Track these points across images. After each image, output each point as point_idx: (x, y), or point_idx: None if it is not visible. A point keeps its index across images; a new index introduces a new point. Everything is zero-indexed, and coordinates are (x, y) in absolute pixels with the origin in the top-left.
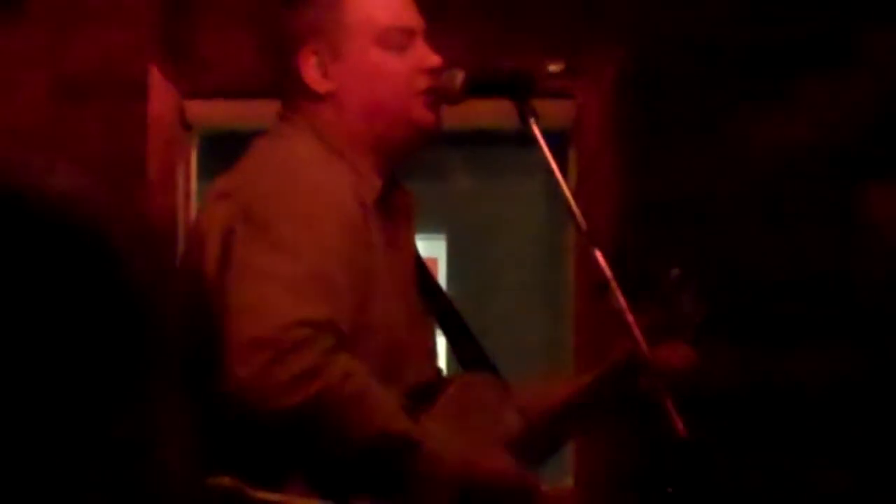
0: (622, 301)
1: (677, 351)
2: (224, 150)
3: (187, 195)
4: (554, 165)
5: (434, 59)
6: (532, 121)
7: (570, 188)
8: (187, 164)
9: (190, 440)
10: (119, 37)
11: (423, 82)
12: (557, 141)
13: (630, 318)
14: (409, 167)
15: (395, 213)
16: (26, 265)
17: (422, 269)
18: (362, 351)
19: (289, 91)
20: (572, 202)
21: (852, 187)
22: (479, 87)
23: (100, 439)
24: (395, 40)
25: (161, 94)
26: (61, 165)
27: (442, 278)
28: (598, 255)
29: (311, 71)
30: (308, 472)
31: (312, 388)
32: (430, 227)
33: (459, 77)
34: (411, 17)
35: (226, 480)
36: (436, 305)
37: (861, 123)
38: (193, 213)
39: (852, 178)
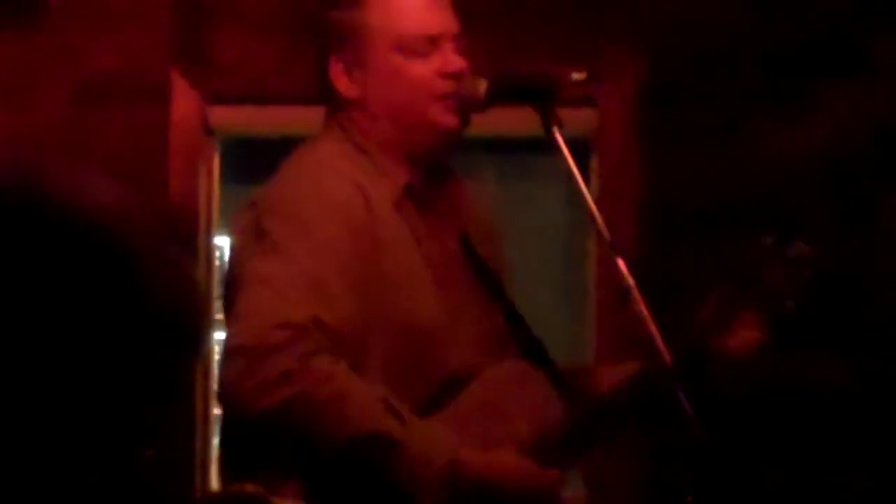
0: (644, 308)
1: (742, 334)
2: (246, 155)
3: (209, 200)
4: (576, 173)
5: (456, 64)
6: (555, 128)
7: (592, 195)
8: (209, 168)
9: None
10: (141, 41)
11: (443, 87)
12: (580, 148)
13: (652, 326)
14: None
15: (435, 211)
16: (45, 269)
17: (477, 259)
18: (378, 345)
19: (326, 94)
20: (594, 209)
21: (870, 193)
22: (502, 95)
23: (118, 452)
24: (416, 47)
25: (183, 99)
26: (92, 175)
27: None
28: (621, 262)
29: (339, 76)
30: (302, 477)
31: (286, 391)
32: None
33: (483, 85)
34: (435, 24)
35: (248, 487)
36: (495, 297)
37: (879, 128)
38: (215, 217)
39: (870, 184)
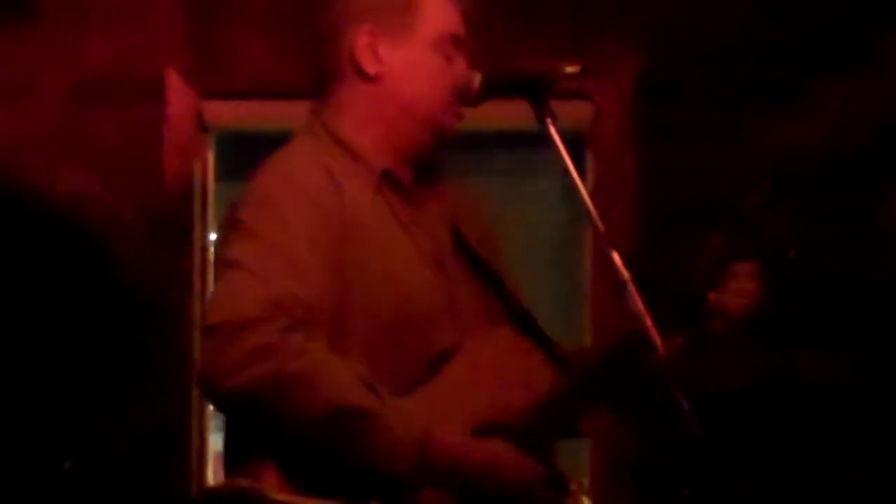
0: (639, 302)
1: (742, 280)
2: (241, 150)
3: (204, 195)
4: (571, 166)
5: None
6: (549, 122)
7: (587, 189)
8: (204, 164)
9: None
10: (136, 38)
11: (456, 96)
12: (575, 142)
13: (647, 319)
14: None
15: (425, 200)
16: (42, 265)
17: (469, 249)
18: (359, 325)
19: (327, 70)
20: (590, 203)
21: (870, 190)
22: (496, 89)
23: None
24: (447, 48)
25: (178, 96)
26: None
27: None
28: (616, 256)
29: (365, 50)
30: (279, 460)
31: (261, 367)
32: None
33: (477, 79)
34: (462, 30)
35: (242, 482)
36: (494, 289)
37: (878, 125)
38: (210, 212)
39: (869, 181)
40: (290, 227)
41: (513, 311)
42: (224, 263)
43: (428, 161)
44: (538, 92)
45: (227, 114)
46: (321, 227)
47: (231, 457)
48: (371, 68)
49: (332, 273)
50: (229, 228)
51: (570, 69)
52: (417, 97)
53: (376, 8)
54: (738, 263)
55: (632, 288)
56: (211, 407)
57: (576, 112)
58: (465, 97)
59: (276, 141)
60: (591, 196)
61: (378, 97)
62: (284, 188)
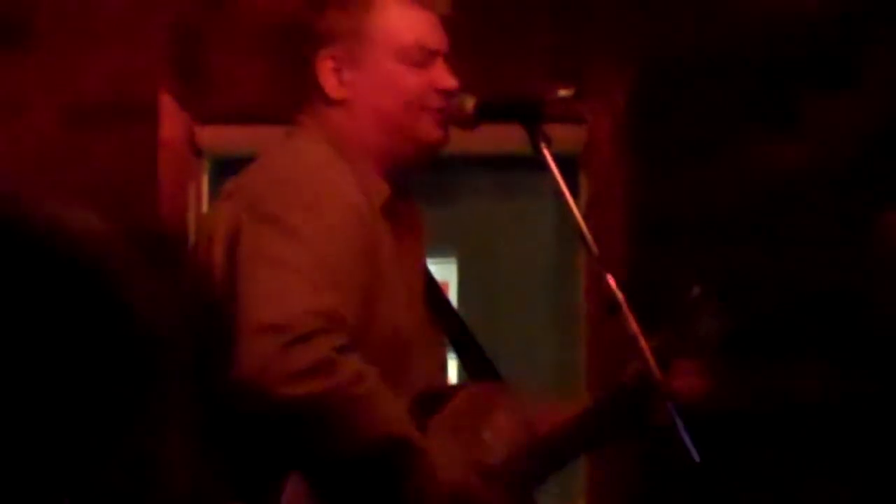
0: (633, 324)
1: (687, 377)
2: (235, 175)
3: (198, 219)
4: (565, 190)
5: (449, 82)
6: (543, 146)
7: (580, 212)
8: (198, 189)
9: (196, 450)
10: (130, 62)
11: (435, 101)
12: (568, 165)
13: (641, 341)
14: (420, 188)
15: (403, 226)
16: (36, 288)
17: (432, 286)
18: (367, 347)
19: (308, 92)
20: (583, 226)
21: (861, 208)
22: (490, 113)
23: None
24: (414, 57)
25: (172, 120)
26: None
27: (453, 301)
28: (610, 278)
29: (327, 75)
30: (307, 474)
31: (322, 382)
32: (441, 251)
33: (471, 103)
34: (434, 39)
35: None
36: (446, 322)
37: (868, 143)
38: None
39: (859, 199)
40: (336, 239)
41: (472, 356)
42: (267, 260)
43: (410, 180)
44: (532, 116)
45: (221, 138)
46: (359, 242)
47: (237, 480)
48: (335, 93)
49: (361, 293)
50: (264, 223)
51: (563, 92)
52: (389, 111)
53: (336, 32)
54: (683, 360)
55: (625, 309)
56: None
57: (569, 135)
58: (458, 120)
59: None
60: (585, 218)
61: (353, 119)
62: (329, 193)
